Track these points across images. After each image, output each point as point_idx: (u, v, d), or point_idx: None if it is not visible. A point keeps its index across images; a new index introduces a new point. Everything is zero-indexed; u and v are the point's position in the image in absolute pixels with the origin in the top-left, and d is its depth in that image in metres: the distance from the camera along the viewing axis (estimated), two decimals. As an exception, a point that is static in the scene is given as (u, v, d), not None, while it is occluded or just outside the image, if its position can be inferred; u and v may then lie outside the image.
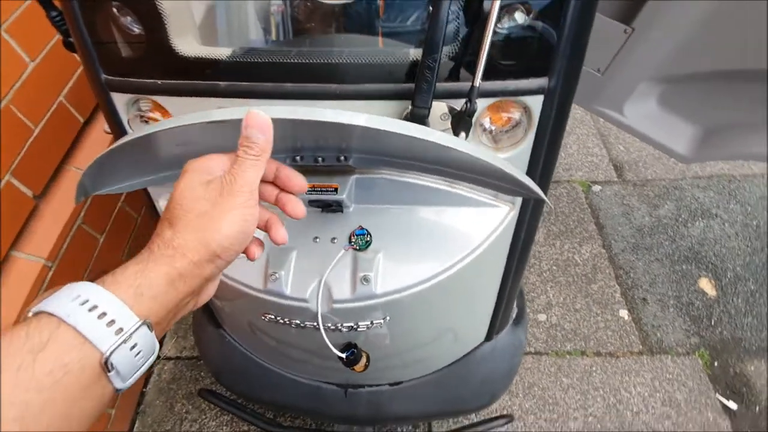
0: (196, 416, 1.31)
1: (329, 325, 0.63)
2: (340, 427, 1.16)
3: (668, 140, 1.23)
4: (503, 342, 0.94)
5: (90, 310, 0.28)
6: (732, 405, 1.29)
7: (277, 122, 0.37)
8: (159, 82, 0.55)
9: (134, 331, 0.29)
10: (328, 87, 0.51)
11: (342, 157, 0.53)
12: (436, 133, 0.39)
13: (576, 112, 2.07)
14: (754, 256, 1.59)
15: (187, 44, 0.56)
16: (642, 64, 1.01)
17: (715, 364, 1.37)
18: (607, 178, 1.86)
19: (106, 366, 0.28)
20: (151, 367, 1.42)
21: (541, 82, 0.51)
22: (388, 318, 0.63)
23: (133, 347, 0.29)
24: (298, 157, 0.54)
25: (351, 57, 0.51)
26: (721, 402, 1.30)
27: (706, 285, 1.54)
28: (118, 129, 0.60)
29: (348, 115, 0.38)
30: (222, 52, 0.55)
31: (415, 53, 0.50)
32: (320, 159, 0.53)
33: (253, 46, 0.56)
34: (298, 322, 0.63)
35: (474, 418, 1.22)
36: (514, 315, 0.97)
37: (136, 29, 0.51)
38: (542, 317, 1.49)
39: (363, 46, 0.52)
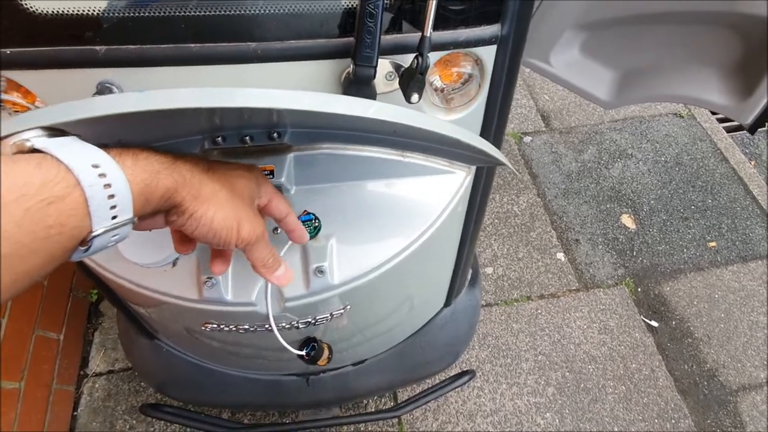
0: (142, 430, 1.19)
1: (283, 324, 0.56)
2: (306, 412, 1.13)
3: (591, 87, 1.28)
4: (462, 304, 0.94)
5: (109, 196, 0.28)
6: (654, 323, 1.46)
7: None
8: (8, 51, 0.41)
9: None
10: (244, 47, 0.41)
11: (275, 134, 0.44)
12: (403, 111, 0.32)
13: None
14: (663, 189, 1.77)
15: (41, -4, 0.42)
16: (565, 12, 1.00)
17: (639, 289, 1.53)
18: (536, 128, 1.92)
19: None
20: (79, 388, 1.25)
21: (494, 29, 0.46)
22: (348, 307, 0.57)
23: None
24: (219, 138, 0.44)
25: (272, 6, 0.41)
26: (645, 322, 1.46)
27: (627, 220, 1.68)
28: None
29: (289, 96, 0.31)
30: (95, 5, 0.42)
31: (350, -1, 0.41)
32: (248, 138, 0.44)
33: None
34: (246, 327, 0.55)
35: (437, 377, 1.24)
36: (469, 277, 0.97)
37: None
38: (489, 270, 1.54)
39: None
